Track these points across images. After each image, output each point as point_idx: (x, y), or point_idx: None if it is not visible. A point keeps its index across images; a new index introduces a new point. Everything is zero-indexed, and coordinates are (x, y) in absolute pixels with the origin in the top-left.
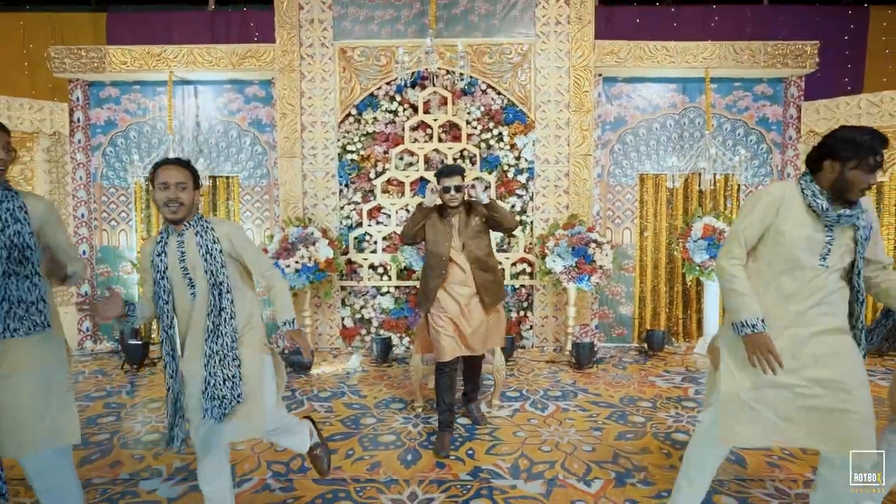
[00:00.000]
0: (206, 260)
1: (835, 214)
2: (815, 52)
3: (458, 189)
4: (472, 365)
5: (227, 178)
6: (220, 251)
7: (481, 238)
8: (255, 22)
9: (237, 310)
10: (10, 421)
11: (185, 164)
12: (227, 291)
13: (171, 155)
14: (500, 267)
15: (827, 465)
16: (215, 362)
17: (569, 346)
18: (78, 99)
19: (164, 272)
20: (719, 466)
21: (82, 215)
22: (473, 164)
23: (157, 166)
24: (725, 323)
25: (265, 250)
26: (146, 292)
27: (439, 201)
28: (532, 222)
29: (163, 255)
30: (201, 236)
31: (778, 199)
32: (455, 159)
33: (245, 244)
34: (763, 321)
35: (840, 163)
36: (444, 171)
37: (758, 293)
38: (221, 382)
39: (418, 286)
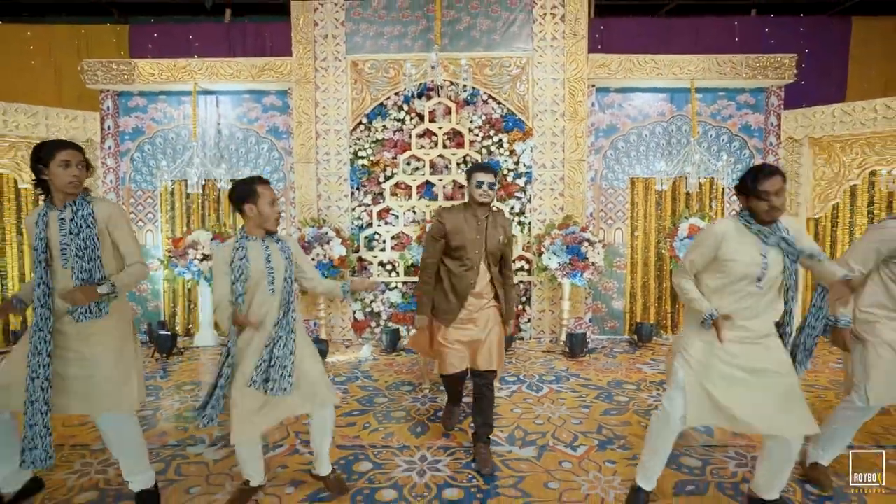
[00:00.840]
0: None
1: (769, 235)
2: (793, 64)
3: (492, 186)
4: (480, 396)
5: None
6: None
7: (501, 250)
8: (270, 33)
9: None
10: (86, 388)
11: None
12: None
13: (196, 160)
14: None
15: (770, 437)
16: (280, 346)
17: (563, 337)
18: (108, 108)
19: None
20: (689, 434)
21: None
22: None
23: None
24: (684, 327)
25: None
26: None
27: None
28: (530, 223)
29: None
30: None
31: (720, 235)
32: (458, 164)
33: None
34: (716, 310)
35: (744, 197)
36: (479, 167)
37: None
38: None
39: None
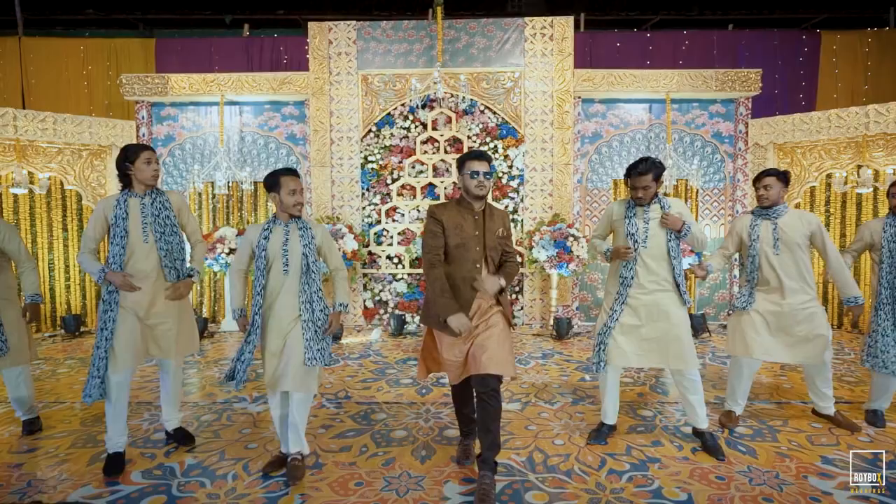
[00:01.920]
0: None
1: (641, 213)
2: (758, 78)
3: (488, 176)
4: (483, 407)
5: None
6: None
7: (502, 245)
8: (285, 46)
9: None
10: (164, 336)
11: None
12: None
13: (223, 164)
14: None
15: (676, 375)
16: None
17: (551, 322)
18: (143, 117)
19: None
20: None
21: None
22: None
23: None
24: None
25: None
26: None
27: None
28: (522, 220)
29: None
30: (302, 231)
31: (610, 212)
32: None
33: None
34: (610, 245)
35: (626, 184)
36: (473, 155)
37: (613, 269)
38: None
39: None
